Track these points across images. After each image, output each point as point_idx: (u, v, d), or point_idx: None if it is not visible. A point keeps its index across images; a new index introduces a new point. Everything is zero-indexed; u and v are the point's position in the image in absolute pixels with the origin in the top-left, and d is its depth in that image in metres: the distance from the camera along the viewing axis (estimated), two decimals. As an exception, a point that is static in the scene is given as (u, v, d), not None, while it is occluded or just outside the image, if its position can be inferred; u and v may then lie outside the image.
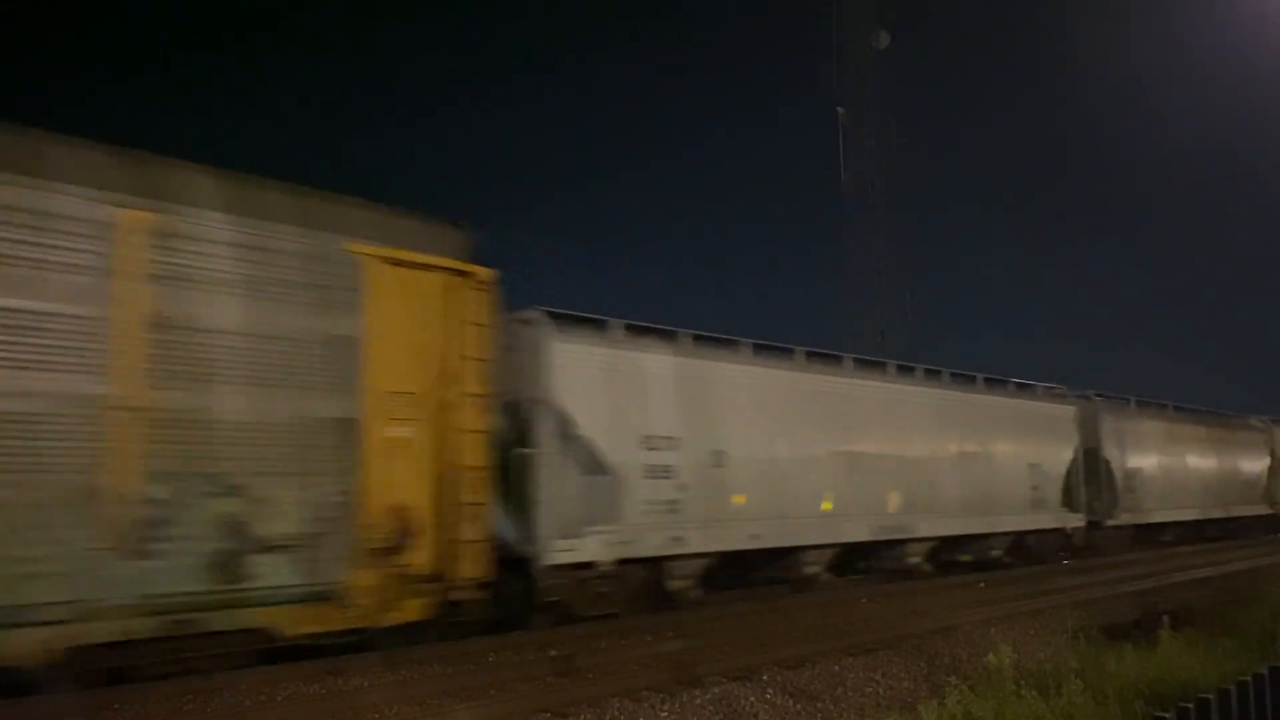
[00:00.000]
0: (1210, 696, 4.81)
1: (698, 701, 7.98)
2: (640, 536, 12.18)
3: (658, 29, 72.17)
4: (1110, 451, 21.91)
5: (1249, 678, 5.19)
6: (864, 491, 15.53)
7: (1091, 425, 21.57)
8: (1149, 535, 23.54)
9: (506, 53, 70.10)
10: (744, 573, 14.50)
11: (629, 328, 12.98)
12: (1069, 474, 20.50)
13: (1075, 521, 20.48)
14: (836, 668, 9.21)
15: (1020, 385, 19.96)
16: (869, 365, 16.93)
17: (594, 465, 11.86)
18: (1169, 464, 24.48)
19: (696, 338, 13.87)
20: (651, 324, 13.32)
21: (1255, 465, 29.68)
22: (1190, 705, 4.70)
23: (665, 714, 7.72)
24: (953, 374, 18.28)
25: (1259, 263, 70.18)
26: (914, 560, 16.72)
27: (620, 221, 69.36)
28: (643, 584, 12.46)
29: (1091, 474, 21.20)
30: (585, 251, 67.02)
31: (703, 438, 13.21)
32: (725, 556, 13.40)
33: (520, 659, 9.65)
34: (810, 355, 15.55)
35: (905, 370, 17.46)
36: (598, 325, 12.63)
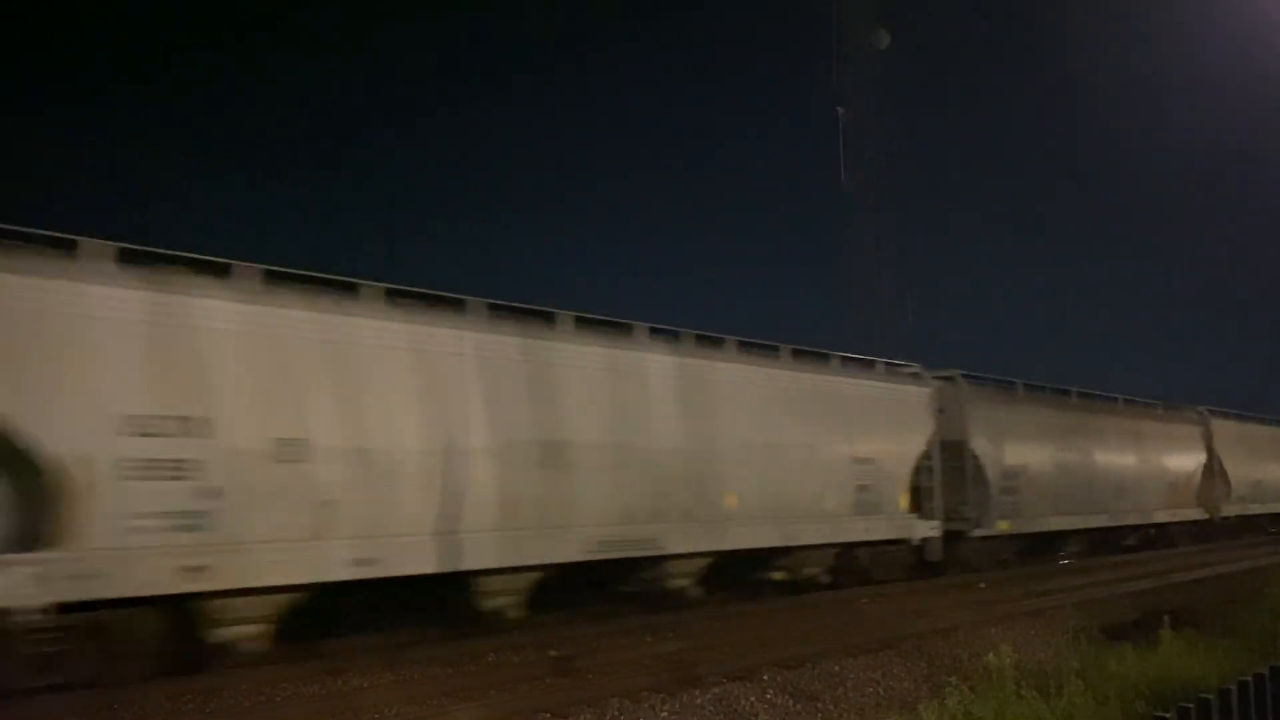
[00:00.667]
0: (1211, 696, 4.80)
1: (698, 701, 7.97)
2: (117, 568, 8.12)
3: (656, 28, 72.18)
4: (981, 445, 17.80)
5: (1249, 678, 5.18)
6: (577, 495, 11.41)
7: (955, 413, 17.52)
8: (1041, 547, 19.98)
9: (504, 53, 70.11)
10: (355, 616, 10.39)
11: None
12: (918, 472, 16.30)
13: (927, 531, 16.23)
14: (836, 668, 9.20)
15: (849, 360, 16.01)
16: (603, 328, 12.43)
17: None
18: (1068, 461, 20.19)
19: (268, 274, 9.62)
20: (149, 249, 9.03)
21: (1187, 463, 25.08)
22: (1191, 705, 4.69)
23: (665, 714, 7.72)
24: (743, 343, 14.03)
25: (1263, 263, 70.05)
26: (678, 583, 12.80)
27: (619, 221, 69.34)
28: (149, 639, 8.53)
29: (955, 473, 17.28)
30: (584, 252, 66.94)
31: (264, 419, 9.16)
32: (314, 591, 9.38)
33: (520, 659, 9.65)
34: (496, 309, 11.33)
35: (667, 336, 13.18)
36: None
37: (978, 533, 17.58)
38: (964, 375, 18.30)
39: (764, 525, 13.53)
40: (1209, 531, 25.65)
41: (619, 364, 12.27)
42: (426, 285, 10.82)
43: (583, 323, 12.13)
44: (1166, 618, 9.00)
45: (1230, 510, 26.52)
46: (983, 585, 15.76)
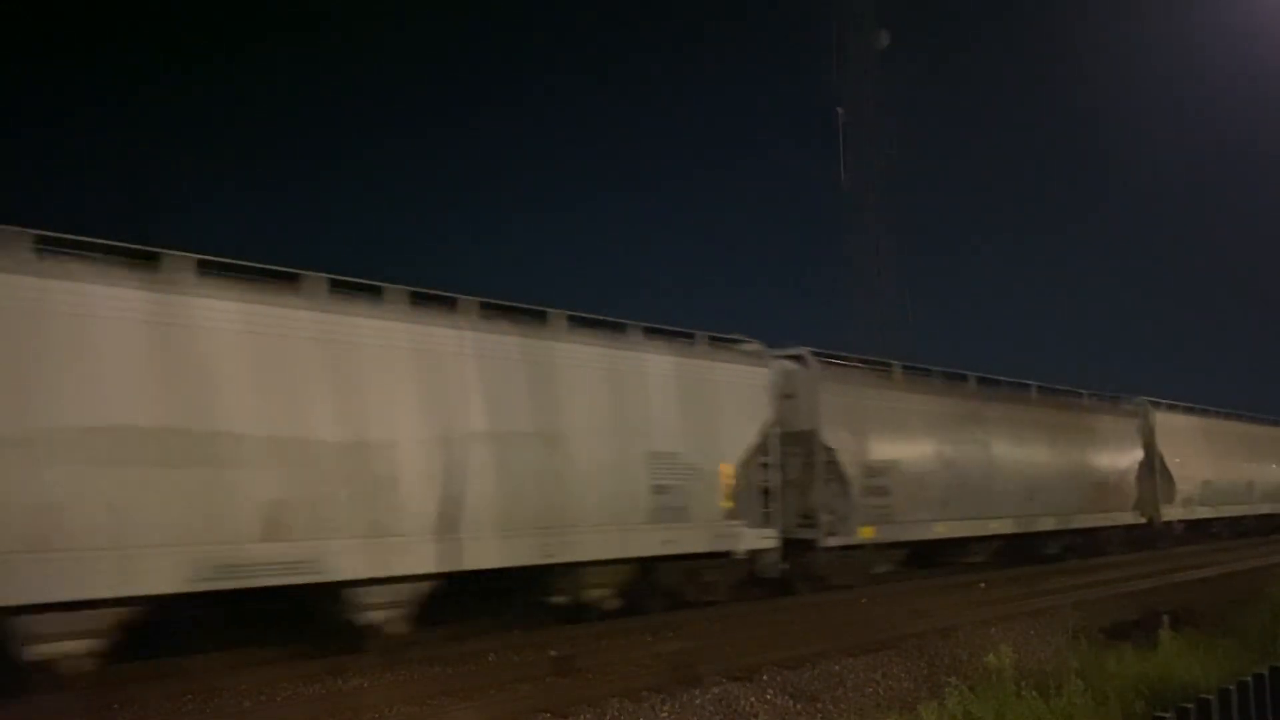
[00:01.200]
0: (1210, 697, 4.81)
1: (698, 702, 7.98)
2: None
3: (655, 28, 72.16)
4: (837, 437, 14.84)
5: (1249, 678, 5.18)
6: (158, 500, 8.12)
7: (806, 399, 14.70)
8: (930, 558, 17.39)
9: (501, 52, 70.07)
10: None
11: None
12: (748, 470, 13.25)
13: (760, 541, 13.25)
14: (836, 668, 9.21)
15: (655, 332, 12.64)
16: (258, 279, 9.24)
17: None
18: (960, 457, 17.11)
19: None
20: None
21: (1121, 460, 21.89)
22: (1190, 705, 4.69)
23: (665, 714, 7.72)
24: (487, 305, 10.86)
25: (1263, 263, 70.03)
26: (372, 618, 9.58)
27: (618, 221, 69.28)
28: None
29: (805, 470, 14.57)
30: (584, 252, 66.86)
31: None
32: None
33: (520, 659, 9.65)
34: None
35: (371, 294, 9.94)
36: None
37: (831, 542, 14.48)
38: (818, 354, 15.40)
39: (512, 539, 10.41)
40: (1150, 538, 22.69)
41: (258, 321, 8.98)
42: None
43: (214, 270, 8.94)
44: (1166, 618, 9.01)
45: (1174, 514, 23.50)
46: (983, 585, 15.75)
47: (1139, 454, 22.50)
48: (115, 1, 59.07)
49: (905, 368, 17.46)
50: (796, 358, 15.09)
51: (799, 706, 8.04)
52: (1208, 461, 25.11)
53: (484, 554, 10.25)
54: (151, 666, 8.59)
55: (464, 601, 10.86)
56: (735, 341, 13.78)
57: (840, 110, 37.30)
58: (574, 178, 71.45)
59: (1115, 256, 76.19)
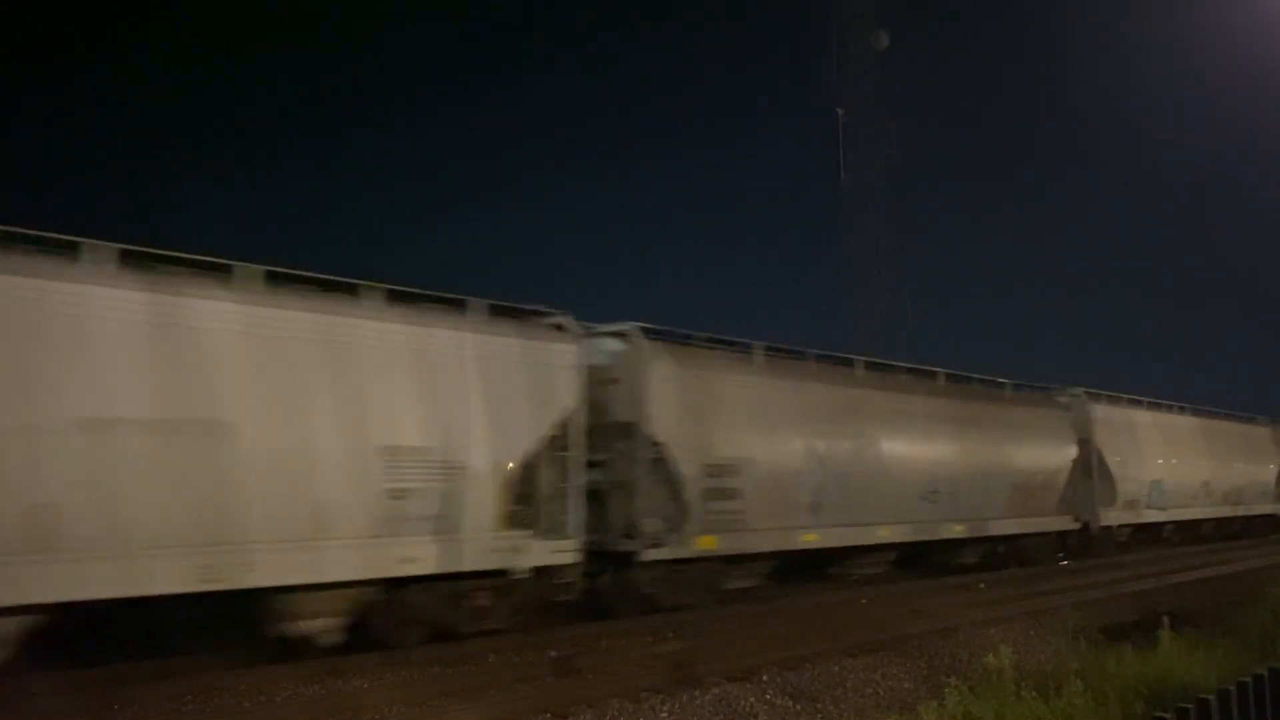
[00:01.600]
0: (1210, 697, 4.81)
1: (697, 702, 7.98)
2: None
3: (655, 28, 72.16)
4: (666, 428, 12.15)
5: (1249, 678, 5.19)
6: None
7: (630, 383, 12.12)
8: (807, 569, 14.78)
9: (501, 52, 70.07)
10: None
11: None
12: (537, 469, 10.80)
13: (551, 556, 10.73)
14: (836, 668, 9.21)
15: (402, 296, 10.12)
16: None
17: None
18: (839, 454, 14.47)
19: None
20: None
21: (1050, 458, 19.44)
22: (1190, 706, 4.69)
23: (665, 714, 7.72)
24: (128, 252, 8.30)
25: (1263, 263, 69.98)
26: None
27: (618, 221, 69.25)
28: None
29: (625, 468, 12.01)
30: (584, 251, 66.83)
31: None
32: None
33: (520, 659, 9.65)
34: None
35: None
36: None
37: (654, 555, 11.84)
38: (650, 331, 12.63)
39: (148, 560, 7.89)
40: (1087, 545, 20.39)
41: None
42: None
43: None
44: (1166, 618, 9.01)
45: (1115, 518, 21.11)
46: (982, 585, 15.76)
47: (1072, 451, 20.06)
48: (115, 1, 59.09)
49: (771, 349, 14.46)
50: (618, 334, 12.46)
51: (799, 707, 8.04)
52: (1157, 460, 22.75)
53: (91, 580, 7.61)
54: (152, 666, 8.59)
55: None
56: (534, 313, 11.31)
57: (840, 110, 37.35)
58: (574, 178, 71.46)
59: (1115, 256, 76.18)
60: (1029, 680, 7.04)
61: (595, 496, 11.68)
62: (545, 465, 10.91)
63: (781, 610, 13.01)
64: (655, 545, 11.91)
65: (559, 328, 11.40)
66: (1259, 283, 69.52)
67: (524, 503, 10.65)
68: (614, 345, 12.42)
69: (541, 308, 11.43)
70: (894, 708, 7.52)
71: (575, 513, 11.10)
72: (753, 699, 8.15)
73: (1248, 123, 55.97)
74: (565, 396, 11.10)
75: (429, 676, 8.89)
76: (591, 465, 11.56)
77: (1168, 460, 23.18)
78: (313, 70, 62.25)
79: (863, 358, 16.47)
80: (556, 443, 11.00)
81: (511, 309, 11.12)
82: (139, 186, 50.83)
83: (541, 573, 10.67)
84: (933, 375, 17.69)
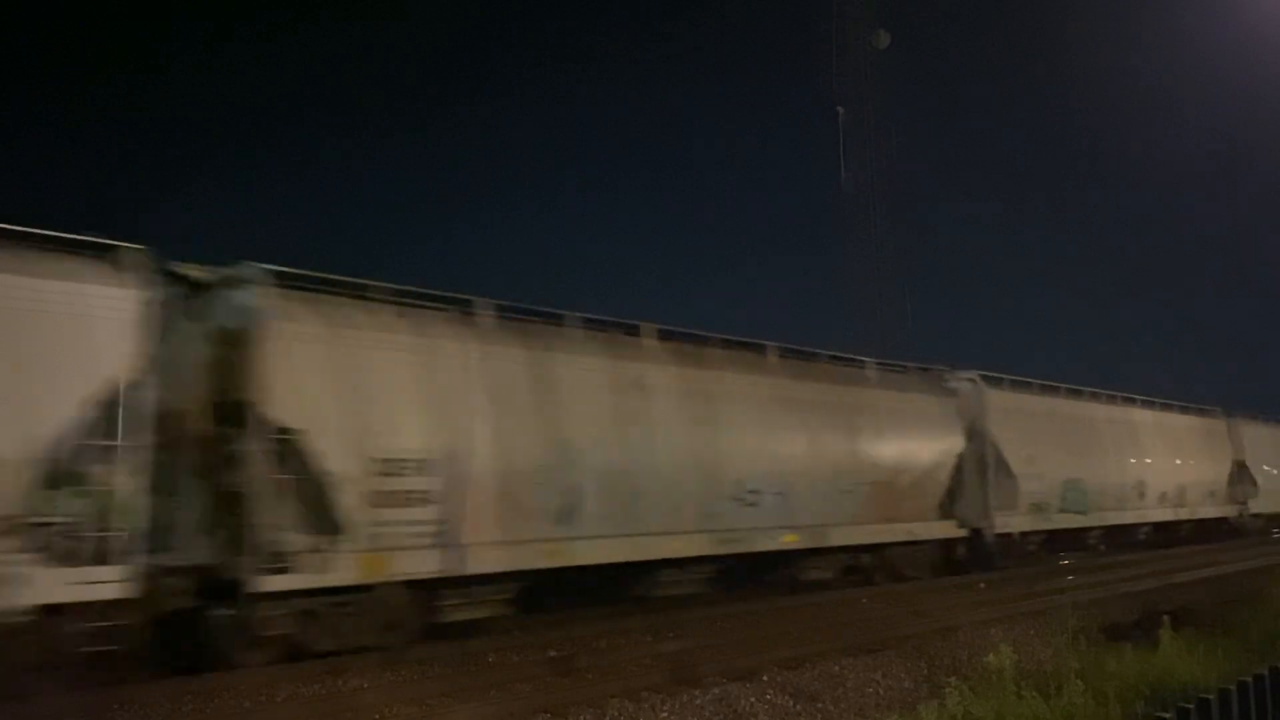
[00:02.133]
0: (1210, 697, 4.81)
1: (697, 702, 7.97)
2: None
3: (655, 28, 72.24)
4: (303, 413, 9.24)
5: (1249, 678, 5.19)
6: None
7: (250, 350, 9.19)
8: (562, 593, 11.82)
9: (501, 51, 70.09)
10: None
11: None
12: (58, 468, 7.79)
13: (67, 592, 7.72)
14: (836, 668, 9.20)
15: None
16: None
17: None
18: (605, 446, 11.58)
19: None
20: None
21: (926, 452, 16.24)
22: (1190, 706, 4.69)
23: (665, 714, 7.72)
24: None
25: (1264, 263, 70.05)
26: None
27: (616, 220, 69.28)
28: None
29: (233, 466, 9.04)
30: (584, 251, 66.89)
31: None
32: None
33: (520, 659, 9.65)
34: None
35: None
36: None
37: (276, 584, 8.84)
38: (283, 275, 9.68)
39: None
40: (981, 556, 17.20)
41: None
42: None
43: None
44: (1166, 618, 9.01)
45: (1015, 524, 18.00)
46: (983, 585, 15.74)
47: (957, 444, 16.88)
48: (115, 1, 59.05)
49: (502, 308, 11.37)
50: (230, 280, 9.51)
51: (799, 706, 8.03)
52: (1073, 456, 19.69)
53: None
54: (152, 666, 8.58)
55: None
56: (60, 241, 8.24)
57: (840, 110, 37.34)
58: (572, 177, 71.45)
59: (1114, 256, 76.18)
60: (1029, 680, 7.03)
61: (228, 503, 8.95)
62: (74, 463, 7.83)
63: (781, 610, 13.00)
64: (281, 570, 8.87)
65: (107, 262, 8.24)
66: (1260, 282, 69.53)
67: (30, 516, 7.56)
68: (231, 298, 9.45)
69: (90, 237, 8.35)
70: (894, 707, 7.51)
71: (124, 527, 7.96)
72: (753, 699, 8.14)
73: (1248, 123, 56.01)
74: (111, 363, 8.04)
75: (429, 676, 8.89)
76: (228, 462, 8.97)
77: (1089, 457, 20.28)
78: (313, 70, 62.25)
79: (659, 326, 12.96)
80: (90, 428, 7.91)
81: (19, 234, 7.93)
82: (139, 186, 50.79)
83: (53, 613, 7.63)
84: (760, 350, 14.42)
